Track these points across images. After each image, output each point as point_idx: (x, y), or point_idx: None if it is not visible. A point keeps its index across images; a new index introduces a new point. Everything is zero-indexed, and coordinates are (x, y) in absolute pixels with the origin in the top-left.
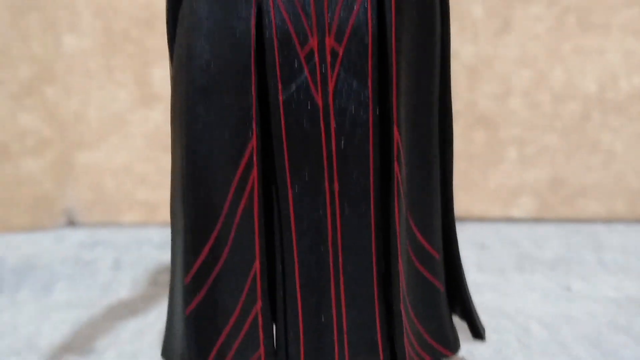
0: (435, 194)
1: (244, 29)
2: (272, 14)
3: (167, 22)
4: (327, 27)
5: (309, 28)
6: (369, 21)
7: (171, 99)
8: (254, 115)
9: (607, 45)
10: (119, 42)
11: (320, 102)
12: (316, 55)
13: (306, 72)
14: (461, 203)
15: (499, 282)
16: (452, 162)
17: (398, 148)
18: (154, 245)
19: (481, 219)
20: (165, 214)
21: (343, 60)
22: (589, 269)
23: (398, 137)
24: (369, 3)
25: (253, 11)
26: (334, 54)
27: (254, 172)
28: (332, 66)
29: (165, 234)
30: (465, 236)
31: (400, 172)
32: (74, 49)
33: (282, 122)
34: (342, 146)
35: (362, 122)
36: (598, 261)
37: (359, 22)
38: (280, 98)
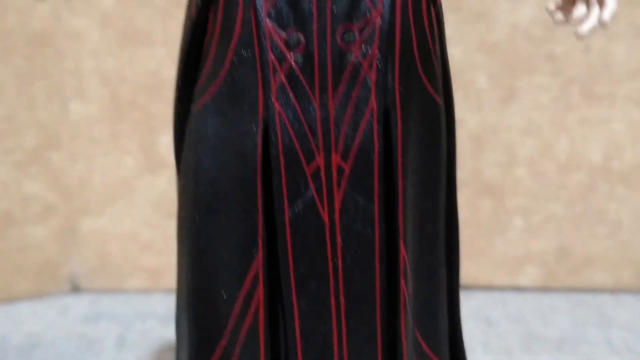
0: (442, 306)
1: (250, 145)
2: (278, 131)
3: (175, 133)
4: (333, 145)
5: (316, 146)
6: (375, 138)
7: (177, 211)
8: (260, 232)
9: (611, 115)
10: (125, 108)
11: (326, 219)
12: (322, 172)
13: (312, 189)
14: (467, 271)
15: None
16: (458, 268)
17: (404, 263)
18: (158, 318)
19: (487, 287)
20: (169, 280)
21: (349, 177)
22: (595, 350)
23: (404, 253)
24: (375, 120)
25: (260, 128)
26: (340, 171)
27: (260, 289)
28: (339, 183)
29: (169, 302)
30: (471, 308)
31: (406, 288)
32: (79, 116)
33: (288, 238)
34: (349, 262)
35: (369, 238)
36: (605, 340)
37: (365, 139)
38: (287, 215)
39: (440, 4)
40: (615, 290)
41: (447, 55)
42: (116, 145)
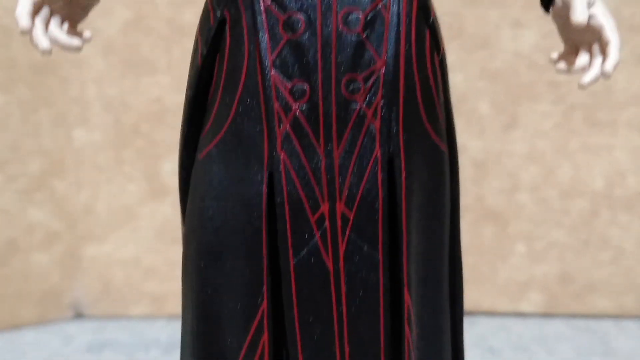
0: (446, 351)
1: (255, 194)
2: (283, 179)
3: (180, 179)
4: (338, 193)
5: (320, 194)
6: (380, 186)
7: (182, 258)
8: (265, 280)
9: (613, 142)
10: (128, 136)
11: (331, 266)
12: (327, 220)
13: (317, 236)
14: (470, 297)
15: None
16: (462, 312)
17: (409, 310)
18: (160, 347)
19: (490, 313)
20: (172, 306)
21: (354, 224)
22: None
23: (408, 300)
24: (379, 168)
25: (265, 176)
26: (345, 219)
27: (265, 337)
28: (343, 231)
29: (173, 329)
30: (474, 335)
31: (410, 334)
32: (84, 143)
33: (293, 286)
34: (353, 310)
35: (373, 286)
36: None
37: (370, 187)
38: (291, 262)
39: (444, 51)
40: (618, 316)
41: (450, 102)
42: (120, 172)
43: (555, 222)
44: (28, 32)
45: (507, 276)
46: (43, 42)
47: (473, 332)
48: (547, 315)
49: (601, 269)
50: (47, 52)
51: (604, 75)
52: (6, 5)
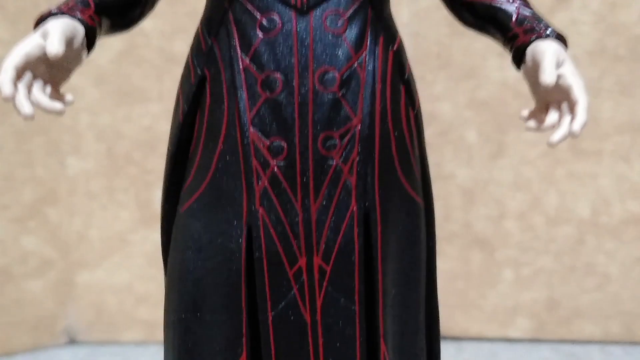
0: None
1: (234, 248)
2: (261, 234)
3: (162, 231)
4: (315, 247)
5: (298, 248)
6: (356, 240)
7: (164, 308)
8: (244, 332)
9: (599, 170)
10: (121, 164)
11: (308, 319)
12: (304, 274)
13: (295, 290)
14: (458, 323)
15: None
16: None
17: None
18: None
19: (478, 339)
20: None
21: (331, 277)
22: None
23: (384, 350)
24: (355, 222)
25: (244, 231)
26: (322, 272)
27: None
28: (320, 284)
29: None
30: None
31: None
32: (77, 171)
33: (272, 338)
34: None
35: (350, 337)
36: None
37: (346, 241)
38: (269, 315)
39: (419, 105)
40: (604, 341)
41: (426, 154)
42: (112, 200)
43: (542, 249)
44: (11, 100)
45: (495, 302)
46: (26, 107)
47: (461, 357)
48: (534, 340)
49: (587, 295)
50: (30, 118)
51: (571, 135)
52: (0, 36)
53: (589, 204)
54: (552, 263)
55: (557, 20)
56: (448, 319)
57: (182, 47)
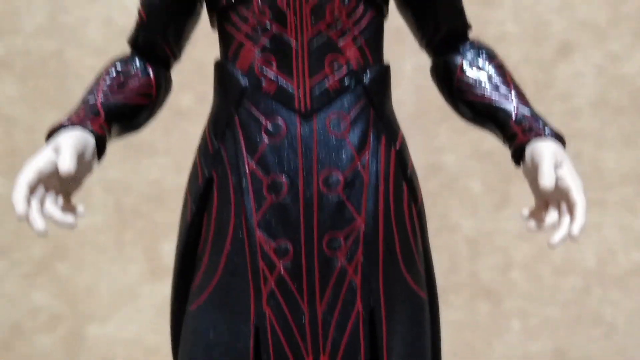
0: None
1: (242, 348)
2: (269, 335)
3: (171, 328)
4: (321, 347)
5: (305, 349)
6: (362, 339)
7: None
8: None
9: (604, 221)
10: (129, 217)
11: None
12: None
13: None
14: None
15: None
16: None
17: None
18: None
19: None
20: None
21: None
22: None
23: None
24: (360, 321)
25: (251, 331)
26: None
27: None
28: None
29: None
30: None
31: None
32: (85, 225)
33: None
34: None
35: None
36: None
37: (352, 340)
38: None
39: (422, 201)
40: None
41: (429, 249)
42: (121, 253)
43: (548, 299)
44: (24, 218)
45: (503, 353)
46: (39, 224)
47: None
48: None
49: (594, 344)
50: (43, 234)
51: (570, 237)
52: (8, 94)
53: (594, 254)
54: (558, 313)
55: (560, 72)
56: None
57: (189, 101)
